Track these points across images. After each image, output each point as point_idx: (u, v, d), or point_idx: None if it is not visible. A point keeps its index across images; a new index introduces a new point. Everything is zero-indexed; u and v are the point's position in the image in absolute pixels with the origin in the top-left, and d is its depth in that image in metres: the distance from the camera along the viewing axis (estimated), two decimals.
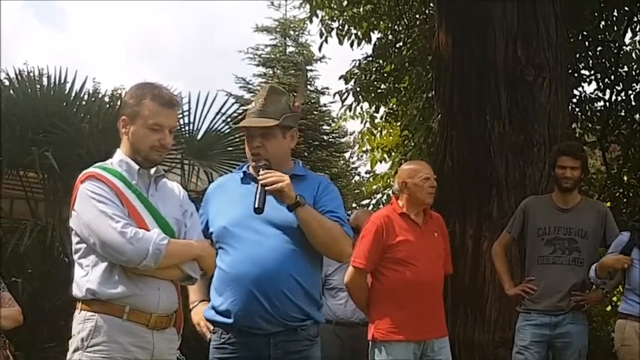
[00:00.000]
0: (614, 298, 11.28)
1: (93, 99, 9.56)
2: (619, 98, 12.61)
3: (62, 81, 9.00)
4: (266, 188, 4.46)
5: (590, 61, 12.43)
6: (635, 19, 12.44)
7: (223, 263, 4.55)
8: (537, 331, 6.88)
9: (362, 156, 22.81)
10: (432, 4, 12.90)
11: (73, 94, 9.01)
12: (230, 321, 4.55)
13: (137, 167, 4.16)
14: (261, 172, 4.54)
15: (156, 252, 3.95)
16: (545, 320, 6.86)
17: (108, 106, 9.43)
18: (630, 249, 6.69)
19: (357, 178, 27.15)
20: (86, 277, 4.02)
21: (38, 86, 9.12)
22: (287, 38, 24.56)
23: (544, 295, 6.87)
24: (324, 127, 23.10)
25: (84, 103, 9.21)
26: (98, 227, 3.96)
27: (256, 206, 4.43)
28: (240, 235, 4.55)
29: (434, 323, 6.17)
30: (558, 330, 6.84)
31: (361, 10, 13.89)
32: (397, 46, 13.99)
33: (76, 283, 4.07)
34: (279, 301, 4.54)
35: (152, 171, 4.24)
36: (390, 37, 14.23)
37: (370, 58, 14.09)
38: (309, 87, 23.05)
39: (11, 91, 9.03)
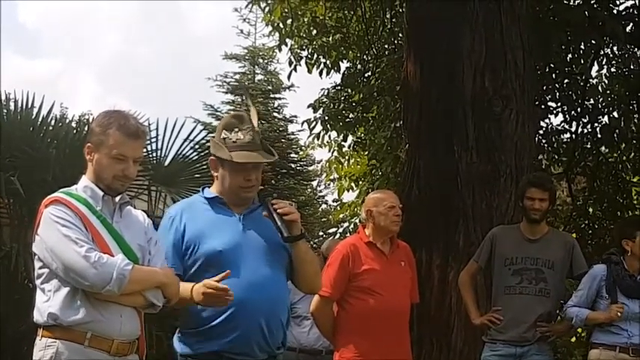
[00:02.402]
0: (579, 330, 11.31)
1: (60, 124, 9.50)
2: (585, 130, 12.69)
3: (29, 106, 8.93)
4: (284, 218, 4.52)
5: (557, 94, 12.50)
6: (602, 52, 12.53)
7: None
8: None
9: (329, 184, 22.80)
10: (400, 35, 12.97)
11: (40, 119, 8.94)
12: (221, 348, 4.48)
13: (102, 193, 4.14)
14: (274, 201, 4.56)
15: (120, 277, 3.92)
16: (511, 351, 6.86)
17: (75, 131, 9.36)
18: (614, 290, 6.76)
19: (324, 206, 27.13)
20: (48, 302, 3.99)
21: (5, 111, 9.05)
22: (256, 66, 24.53)
23: (510, 326, 6.87)
24: (292, 155, 23.06)
25: (51, 128, 9.14)
26: (61, 251, 3.93)
27: (286, 235, 4.51)
28: (238, 261, 4.50)
29: (399, 352, 6.17)
30: None
31: (330, 39, 13.95)
32: (366, 75, 14.04)
33: (38, 309, 4.04)
34: (276, 329, 4.60)
35: (117, 198, 4.22)
36: (359, 66, 14.30)
37: (339, 87, 14.15)
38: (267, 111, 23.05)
39: None
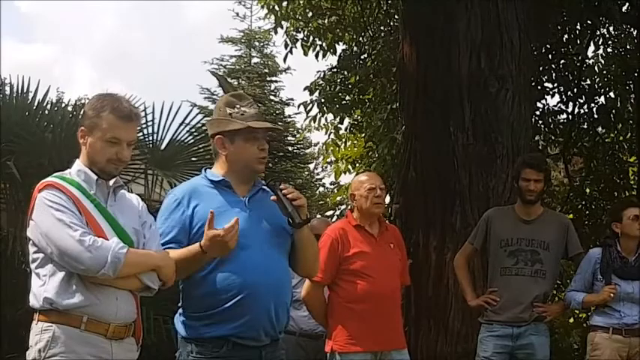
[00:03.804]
0: (576, 310, 11.33)
1: (56, 108, 9.47)
2: (582, 111, 12.68)
3: (25, 90, 8.92)
4: (293, 203, 4.55)
5: (554, 74, 12.50)
6: (598, 32, 12.53)
7: (222, 272, 4.46)
8: (499, 342, 6.90)
9: (326, 167, 22.84)
10: (396, 16, 12.95)
11: (36, 104, 8.93)
12: (229, 332, 4.47)
13: (95, 177, 4.14)
14: (282, 186, 4.60)
15: (115, 261, 3.92)
16: (508, 331, 6.89)
17: (71, 115, 9.33)
18: (608, 272, 6.91)
19: (321, 189, 27.14)
20: (43, 286, 3.99)
21: (0, 95, 9.05)
22: (252, 49, 24.49)
23: (506, 307, 6.89)
24: (289, 138, 23.04)
25: (46, 112, 9.13)
26: (56, 236, 3.93)
27: (297, 221, 4.55)
28: (245, 246, 4.47)
29: (392, 334, 6.19)
30: (520, 341, 6.87)
31: (326, 21, 13.93)
32: (362, 57, 14.02)
33: (33, 293, 4.04)
34: (282, 314, 4.62)
35: (111, 182, 4.22)
36: (355, 48, 14.27)
37: (335, 70, 14.12)
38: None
39: None
